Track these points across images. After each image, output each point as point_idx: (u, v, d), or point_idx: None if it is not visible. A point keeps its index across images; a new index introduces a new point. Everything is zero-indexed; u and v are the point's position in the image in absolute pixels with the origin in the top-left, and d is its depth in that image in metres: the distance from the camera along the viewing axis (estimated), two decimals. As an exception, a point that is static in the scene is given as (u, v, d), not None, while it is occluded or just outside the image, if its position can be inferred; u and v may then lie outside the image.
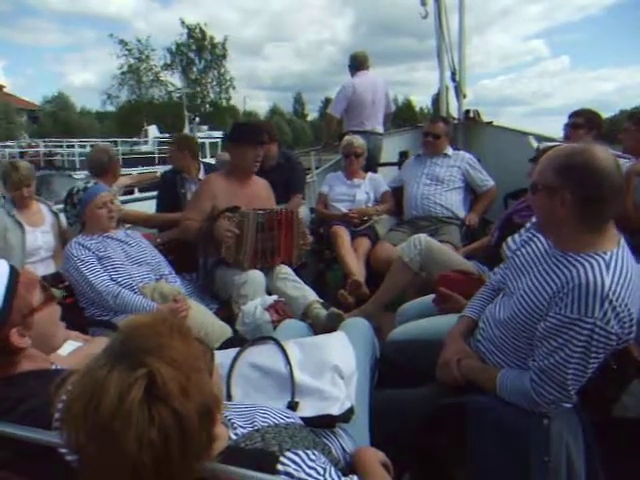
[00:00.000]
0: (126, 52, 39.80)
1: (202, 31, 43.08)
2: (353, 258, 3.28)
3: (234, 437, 1.02)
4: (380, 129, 4.77)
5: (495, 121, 5.08)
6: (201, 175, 3.72)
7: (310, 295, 2.74)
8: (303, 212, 3.98)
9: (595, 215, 1.40)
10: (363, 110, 4.62)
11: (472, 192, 3.69)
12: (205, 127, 24.70)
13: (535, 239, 1.67)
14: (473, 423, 1.54)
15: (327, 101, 75.71)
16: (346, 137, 4.02)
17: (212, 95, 44.06)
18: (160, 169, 15.92)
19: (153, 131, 24.53)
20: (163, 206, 3.68)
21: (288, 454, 0.95)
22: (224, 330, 2.44)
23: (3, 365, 1.15)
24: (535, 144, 4.46)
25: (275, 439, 1.01)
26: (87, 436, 0.78)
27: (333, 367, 1.49)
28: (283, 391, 1.42)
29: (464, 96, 5.13)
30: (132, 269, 2.51)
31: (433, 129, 3.66)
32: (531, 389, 1.43)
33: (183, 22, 42.83)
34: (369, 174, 3.93)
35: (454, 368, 1.67)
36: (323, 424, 1.34)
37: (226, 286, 2.80)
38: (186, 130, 20.68)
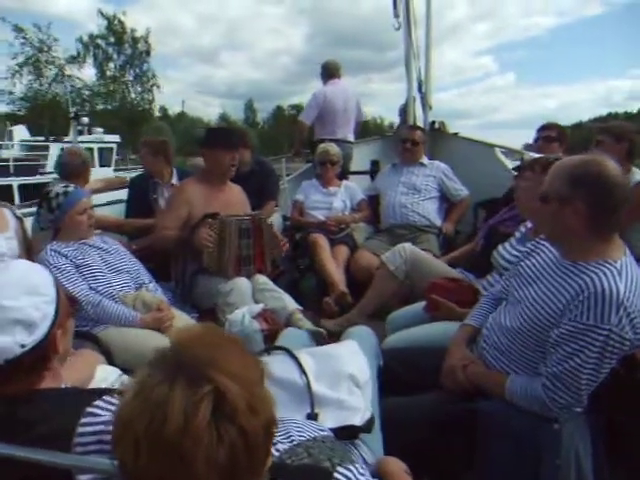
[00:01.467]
0: (22, 40, 31.78)
1: (121, 22, 36.31)
2: (334, 267, 3.27)
3: (276, 453, 0.97)
4: (351, 137, 4.80)
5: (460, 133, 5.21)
6: (174, 180, 3.61)
7: (290, 305, 2.69)
8: (276, 219, 3.95)
9: (606, 224, 1.45)
10: (334, 118, 4.64)
11: (446, 201, 3.76)
12: (99, 129, 21.19)
13: (539, 250, 1.71)
14: (484, 428, 1.55)
15: (278, 109, 75.90)
16: (321, 145, 4.01)
17: (133, 95, 38.00)
18: (16, 181, 13.61)
19: (20, 132, 20.40)
20: (133, 212, 3.54)
21: (340, 469, 0.92)
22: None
23: (33, 377, 1.07)
24: (501, 156, 4.63)
25: (322, 454, 0.97)
26: (150, 457, 0.72)
27: (349, 376, 1.46)
28: (301, 403, 1.39)
29: (430, 107, 5.24)
30: (111, 277, 2.40)
31: (412, 136, 3.72)
32: (544, 394, 1.46)
33: (101, 12, 36.29)
34: (344, 182, 3.94)
35: (460, 374, 1.69)
36: (345, 435, 1.32)
37: (209, 294, 2.73)
38: (71, 133, 16.91)
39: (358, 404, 1.40)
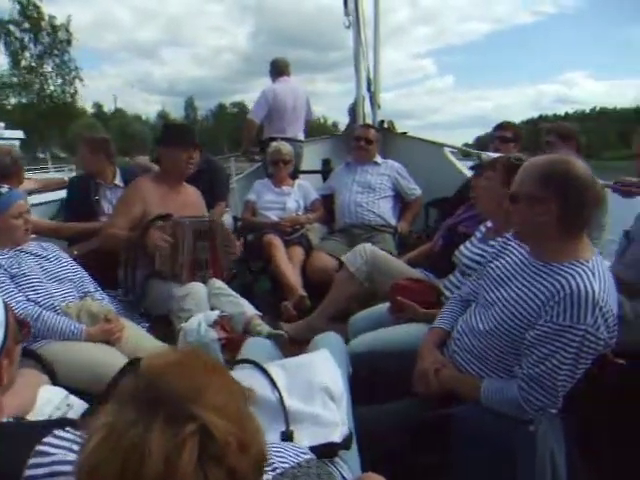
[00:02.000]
0: None
1: (37, 7, 33.34)
2: (291, 269, 3.17)
3: None
4: (301, 136, 4.72)
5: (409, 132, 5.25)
6: (117, 180, 3.39)
7: (249, 310, 2.59)
8: (227, 220, 3.80)
9: (576, 223, 1.44)
10: (284, 116, 4.54)
11: (400, 200, 3.75)
12: (0, 124, 19.40)
13: (508, 250, 1.69)
14: (458, 434, 1.52)
15: (220, 107, 74.63)
16: (273, 144, 3.91)
17: (53, 87, 34.80)
18: None
19: None
20: (73, 215, 3.29)
21: None
22: (164, 351, 2.21)
23: None
24: (450, 155, 4.69)
25: None
26: None
27: (323, 389, 1.38)
28: (274, 420, 1.29)
29: (378, 106, 5.25)
30: (52, 287, 2.19)
31: (366, 134, 3.69)
32: (520, 397, 1.44)
33: None
34: (297, 182, 3.85)
35: (433, 378, 1.64)
36: (325, 453, 1.23)
37: (162, 300, 2.57)
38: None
39: (334, 418, 1.32)
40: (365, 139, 3.68)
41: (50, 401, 1.54)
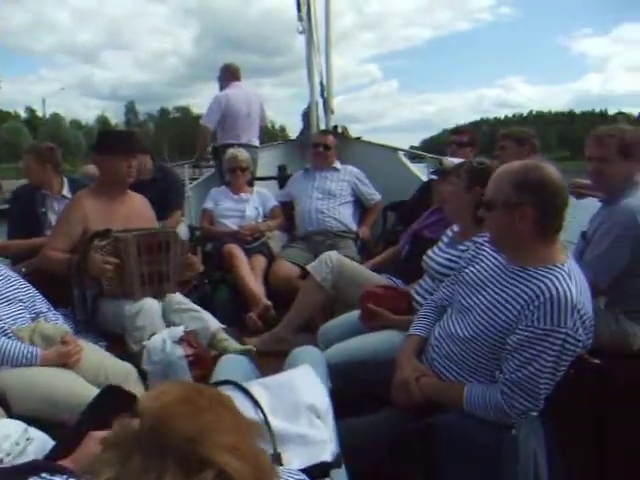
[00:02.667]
0: None
1: None
2: (253, 279, 3.10)
3: None
4: (256, 142, 4.64)
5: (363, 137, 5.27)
6: (65, 191, 3.21)
7: (212, 324, 2.48)
8: (182, 230, 3.68)
9: (551, 228, 1.47)
10: (238, 122, 4.45)
11: (359, 205, 3.76)
12: None
13: (482, 255, 1.71)
14: (442, 442, 1.51)
15: (163, 112, 72.92)
16: (230, 150, 3.82)
17: None
18: None
19: None
20: (18, 229, 3.09)
21: None
22: (127, 371, 2.09)
23: None
24: (405, 159, 4.75)
25: None
26: None
27: (308, 406, 1.33)
28: (260, 443, 1.23)
29: (332, 112, 5.25)
30: (1, 309, 2.03)
31: (324, 140, 3.67)
32: (502, 402, 1.45)
33: None
34: (256, 189, 3.79)
35: (414, 387, 1.63)
36: (317, 474, 1.18)
37: (116, 319, 2.42)
38: None
39: (322, 437, 1.27)
40: (323, 145, 3.67)
41: (8, 437, 1.40)
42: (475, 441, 1.49)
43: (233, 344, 2.38)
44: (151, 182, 3.47)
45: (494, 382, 1.50)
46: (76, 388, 1.82)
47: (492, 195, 1.53)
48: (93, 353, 2.12)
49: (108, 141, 2.74)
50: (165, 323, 2.39)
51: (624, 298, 2.10)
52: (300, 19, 4.37)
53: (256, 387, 1.37)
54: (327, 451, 1.23)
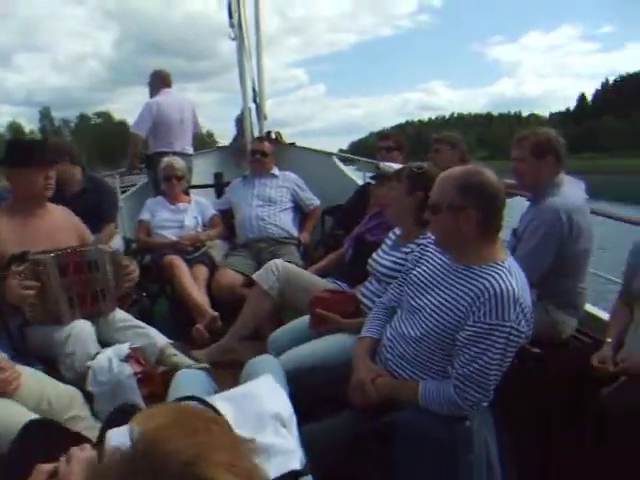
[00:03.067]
0: None
1: None
2: (197, 290, 3.05)
3: None
4: (190, 150, 4.57)
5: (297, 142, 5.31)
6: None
7: (159, 339, 2.40)
8: (117, 242, 3.55)
9: (492, 228, 1.57)
10: (171, 130, 4.36)
11: (299, 211, 3.79)
12: None
13: (427, 257, 1.79)
14: (400, 439, 1.56)
15: (82, 118, 69.45)
16: (165, 159, 3.73)
17: None
18: None
19: None
20: None
21: None
22: (71, 394, 1.99)
23: None
24: (339, 164, 4.84)
25: None
26: None
27: (273, 415, 1.34)
28: (253, 457, 1.22)
29: (265, 118, 5.25)
30: None
31: (261, 147, 3.68)
32: (456, 395, 1.52)
33: None
34: (194, 198, 3.72)
35: (371, 388, 1.68)
36: (287, 483, 1.20)
37: (45, 345, 2.25)
38: None
39: (290, 445, 1.29)
40: (261, 152, 3.68)
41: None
42: (431, 435, 1.55)
43: (184, 359, 2.32)
44: (81, 194, 3.32)
45: (447, 377, 1.58)
46: (17, 417, 1.72)
47: (437, 199, 1.60)
48: (32, 378, 1.99)
49: (19, 151, 2.49)
50: (110, 342, 2.29)
51: (552, 293, 2.26)
52: (232, 25, 4.34)
53: (219, 401, 1.36)
54: (295, 459, 1.25)
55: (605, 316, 2.33)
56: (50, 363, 2.30)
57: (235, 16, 4.30)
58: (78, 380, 2.10)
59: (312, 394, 1.91)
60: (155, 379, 2.15)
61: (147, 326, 2.45)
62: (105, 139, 58.55)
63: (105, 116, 69.24)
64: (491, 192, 1.54)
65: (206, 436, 0.64)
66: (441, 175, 1.65)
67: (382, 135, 3.68)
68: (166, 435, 0.63)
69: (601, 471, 1.70)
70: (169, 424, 0.64)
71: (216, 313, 2.89)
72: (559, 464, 1.83)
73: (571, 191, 2.31)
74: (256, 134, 5.23)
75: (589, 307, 2.44)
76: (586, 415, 1.79)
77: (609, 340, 1.96)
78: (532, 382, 1.73)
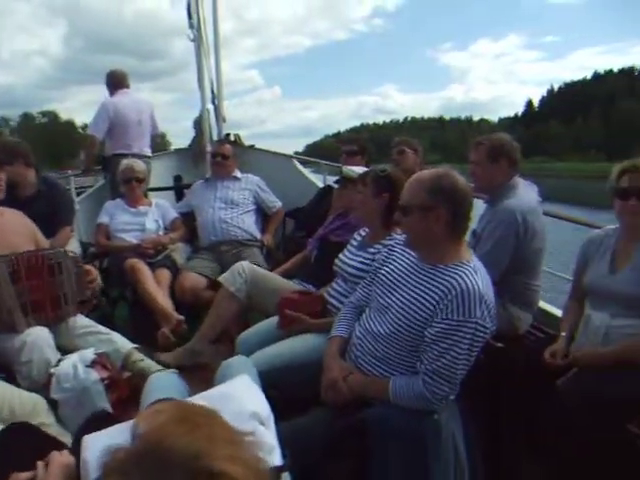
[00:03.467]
0: None
1: None
2: (161, 294, 3.01)
3: None
4: (148, 152, 4.49)
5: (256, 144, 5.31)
6: None
7: (124, 345, 2.36)
8: (73, 246, 3.45)
9: (460, 228, 1.65)
10: (128, 131, 4.27)
11: (261, 213, 3.80)
12: None
13: (394, 256, 1.85)
14: (373, 435, 1.61)
15: (26, 117, 66.42)
16: (124, 161, 3.65)
17: None
18: None
19: None
20: None
21: None
22: (35, 402, 1.93)
23: None
24: (300, 166, 4.88)
25: None
26: None
27: (252, 414, 1.36)
28: (255, 450, 1.23)
29: (224, 120, 5.22)
30: None
31: (222, 150, 3.67)
32: (425, 390, 1.58)
33: None
34: (154, 200, 3.66)
35: (343, 386, 1.72)
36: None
37: (1, 353, 2.18)
38: None
39: (269, 442, 1.31)
40: (221, 155, 3.67)
41: None
42: (402, 429, 1.61)
43: (151, 364, 2.30)
44: (35, 197, 3.21)
45: (415, 373, 1.64)
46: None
47: (408, 201, 1.66)
48: (-4, 391, 1.93)
49: None
50: (71, 349, 2.24)
51: (509, 290, 2.37)
52: (191, 26, 4.31)
53: (198, 402, 1.36)
54: (276, 456, 1.27)
55: (557, 312, 2.46)
56: (10, 371, 2.23)
57: (194, 17, 4.26)
58: (37, 388, 2.05)
59: (283, 393, 1.94)
60: (122, 384, 2.12)
61: (110, 331, 2.42)
62: (51, 139, 56.22)
63: (51, 115, 66.53)
64: (461, 194, 1.61)
65: (208, 430, 0.67)
66: (412, 177, 1.71)
67: (345, 139, 3.75)
68: (169, 431, 0.64)
69: (557, 456, 1.81)
70: (173, 421, 0.66)
71: (182, 317, 2.86)
72: (520, 452, 1.94)
73: (525, 194, 2.43)
74: (215, 136, 5.20)
75: (543, 304, 2.57)
76: (543, 404, 1.90)
77: (563, 334, 2.08)
78: (494, 375, 1.81)
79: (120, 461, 0.63)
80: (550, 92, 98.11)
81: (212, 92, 4.96)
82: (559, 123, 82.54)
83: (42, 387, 2.04)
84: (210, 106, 5.05)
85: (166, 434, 0.64)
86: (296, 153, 8.28)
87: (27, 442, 1.52)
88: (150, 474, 0.60)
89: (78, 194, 4.41)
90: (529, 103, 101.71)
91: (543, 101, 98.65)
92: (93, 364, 2.08)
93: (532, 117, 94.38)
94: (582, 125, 77.94)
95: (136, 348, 2.40)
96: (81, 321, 2.41)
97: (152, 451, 0.62)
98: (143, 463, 0.61)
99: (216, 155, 3.67)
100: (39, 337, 2.17)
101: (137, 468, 0.61)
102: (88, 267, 2.55)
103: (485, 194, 2.60)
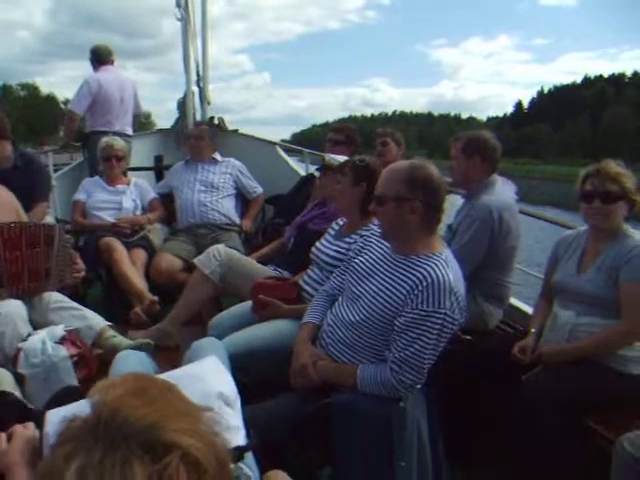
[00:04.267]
0: None
1: None
2: (136, 274, 2.98)
3: None
4: (129, 130, 4.42)
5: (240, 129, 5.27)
6: None
7: (98, 322, 2.35)
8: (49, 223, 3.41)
9: (434, 220, 1.67)
10: (110, 109, 4.20)
11: (241, 198, 3.78)
12: None
13: (369, 246, 1.87)
14: (339, 420, 1.64)
15: (4, 89, 64.51)
16: (104, 139, 3.59)
17: None
18: None
19: None
20: None
21: None
22: (1, 375, 1.91)
23: None
24: (283, 153, 4.85)
25: None
26: None
27: (218, 395, 1.36)
28: (212, 425, 1.24)
29: (208, 103, 5.16)
30: None
31: (195, 132, 3.65)
32: (392, 378, 1.61)
33: None
34: (133, 179, 3.62)
35: (312, 372, 1.74)
36: (233, 458, 1.23)
37: None
38: None
39: (235, 422, 1.32)
40: (195, 136, 3.65)
41: None
42: (368, 415, 1.64)
43: (124, 340, 2.29)
44: (12, 171, 3.15)
45: (384, 361, 1.66)
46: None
47: (383, 191, 1.68)
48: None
49: None
50: (43, 324, 2.22)
51: (480, 285, 2.41)
52: (178, 5, 4.23)
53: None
54: (240, 436, 1.29)
55: (528, 309, 2.51)
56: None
57: (183, -4, 4.20)
58: (6, 362, 2.03)
59: (252, 377, 1.95)
60: (91, 362, 2.10)
61: (84, 308, 2.40)
62: (30, 113, 54.82)
63: (30, 88, 64.71)
64: (435, 186, 1.63)
65: (164, 403, 0.67)
66: (388, 168, 1.73)
67: (334, 127, 3.73)
68: (125, 403, 0.65)
69: (518, 449, 1.86)
70: (129, 394, 0.66)
71: (155, 297, 2.85)
72: (482, 443, 1.99)
73: (502, 191, 2.47)
74: (198, 118, 5.14)
75: (513, 300, 2.62)
76: (508, 398, 1.94)
77: (533, 331, 2.13)
78: (461, 367, 1.85)
79: (76, 429, 0.63)
80: (540, 94, 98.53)
81: (197, 74, 4.90)
82: (548, 126, 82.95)
83: (9, 361, 2.03)
84: (195, 88, 5.00)
85: (121, 405, 0.64)
86: (283, 141, 8.26)
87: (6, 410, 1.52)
88: (105, 444, 0.60)
89: (55, 171, 4.33)
90: (519, 104, 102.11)
91: (533, 103, 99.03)
92: (62, 340, 2.05)
93: (521, 118, 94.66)
94: (571, 129, 78.46)
95: (110, 326, 2.39)
96: (55, 296, 2.39)
97: (107, 421, 0.62)
98: (98, 433, 0.62)
99: (189, 137, 3.65)
100: (13, 309, 2.16)
101: (92, 437, 0.61)
102: (76, 258, 2.56)
103: (462, 189, 2.63)
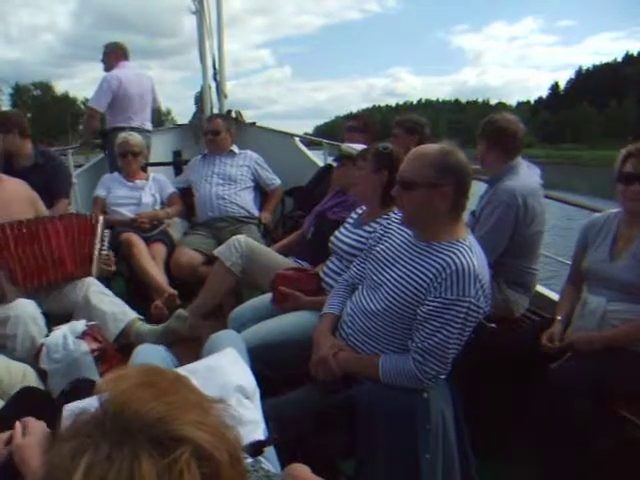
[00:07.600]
0: None
1: None
2: (155, 268, 2.99)
3: None
4: (149, 126, 4.43)
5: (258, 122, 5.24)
6: None
7: (130, 313, 2.51)
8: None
9: (462, 206, 1.61)
10: (130, 105, 4.21)
11: (260, 190, 3.76)
12: None
13: (390, 233, 1.82)
14: (362, 412, 1.60)
15: (18, 89, 65.41)
16: (121, 134, 3.61)
17: None
18: None
19: None
20: None
21: None
22: (24, 372, 1.92)
23: None
24: (301, 145, 4.82)
25: None
26: None
27: (236, 388, 1.34)
28: (224, 417, 1.22)
29: (225, 96, 5.15)
30: None
31: (212, 126, 3.61)
32: (415, 368, 1.56)
33: None
34: (151, 174, 3.63)
35: (332, 363, 1.70)
36: (253, 453, 1.20)
37: None
38: None
39: (254, 416, 1.30)
40: (211, 131, 3.61)
41: None
42: (391, 407, 1.60)
43: (153, 327, 2.44)
44: (32, 168, 3.19)
45: (406, 351, 1.62)
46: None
47: (411, 176, 1.60)
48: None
49: None
50: (77, 307, 2.42)
51: (506, 272, 2.34)
52: (193, -2, 4.22)
53: (184, 374, 1.35)
54: (259, 430, 1.26)
55: (554, 296, 2.43)
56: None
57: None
58: (26, 359, 2.05)
59: (273, 369, 1.93)
60: (112, 356, 2.12)
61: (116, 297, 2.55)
62: (43, 114, 55.49)
63: (44, 87, 65.41)
64: (465, 172, 1.58)
65: (174, 396, 0.64)
66: (415, 151, 1.67)
67: (353, 115, 3.67)
68: (134, 396, 0.62)
69: (547, 439, 1.80)
70: (136, 386, 0.64)
71: (175, 291, 2.85)
72: (510, 435, 1.93)
73: (527, 176, 2.39)
74: (215, 112, 5.13)
75: (539, 287, 2.54)
76: (536, 388, 1.88)
77: (559, 318, 2.05)
78: (487, 356, 1.79)
79: (84, 423, 0.60)
80: (578, 74, 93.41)
81: (214, 67, 4.89)
82: (589, 107, 78.34)
83: (32, 357, 2.05)
84: (212, 82, 4.99)
85: (130, 398, 0.62)
86: (306, 134, 8.21)
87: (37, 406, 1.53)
88: (114, 438, 0.58)
89: (76, 168, 4.37)
90: (554, 86, 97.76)
91: (570, 84, 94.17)
92: (84, 335, 2.07)
93: (558, 101, 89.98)
94: (616, 109, 74.12)
95: (140, 318, 2.52)
96: (95, 282, 2.56)
97: (116, 415, 0.60)
98: (107, 427, 0.59)
99: (207, 133, 3.62)
100: (24, 310, 2.17)
101: (101, 432, 0.59)
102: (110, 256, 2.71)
103: (486, 174, 2.55)
